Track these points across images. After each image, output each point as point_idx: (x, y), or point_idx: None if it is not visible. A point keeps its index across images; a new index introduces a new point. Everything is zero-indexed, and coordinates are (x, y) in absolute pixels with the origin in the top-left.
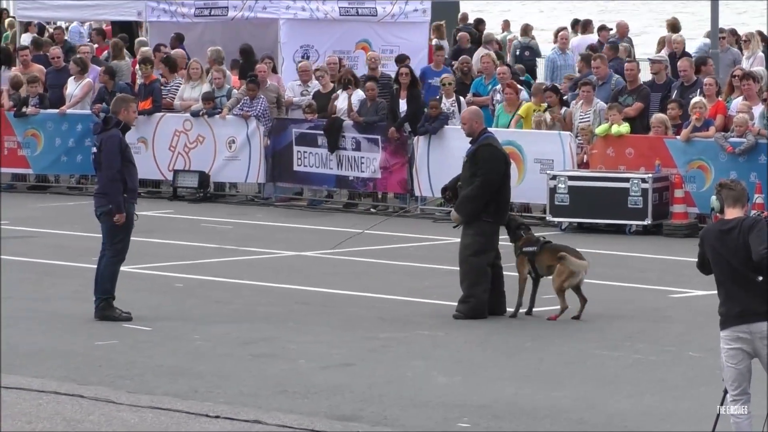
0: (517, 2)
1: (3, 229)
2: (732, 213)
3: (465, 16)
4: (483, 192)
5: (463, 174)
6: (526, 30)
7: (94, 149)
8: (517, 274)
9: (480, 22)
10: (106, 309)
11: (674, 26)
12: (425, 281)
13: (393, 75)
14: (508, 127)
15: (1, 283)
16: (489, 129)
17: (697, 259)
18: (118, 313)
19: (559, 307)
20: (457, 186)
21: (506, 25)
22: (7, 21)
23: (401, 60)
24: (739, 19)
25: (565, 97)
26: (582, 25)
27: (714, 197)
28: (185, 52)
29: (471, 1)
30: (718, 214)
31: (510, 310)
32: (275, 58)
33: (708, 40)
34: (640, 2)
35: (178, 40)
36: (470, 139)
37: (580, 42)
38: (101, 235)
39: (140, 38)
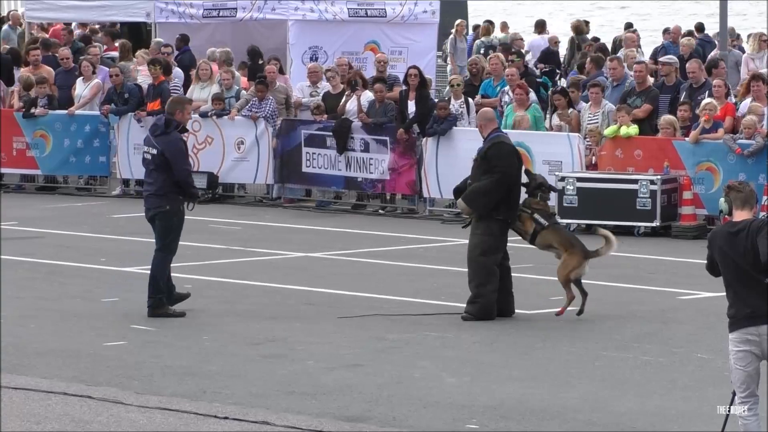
0: (527, 2)
1: (12, 229)
2: (740, 215)
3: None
4: (499, 187)
5: (474, 173)
6: (488, 30)
7: (151, 150)
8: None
9: (489, 24)
10: (158, 307)
11: (578, 28)
12: (434, 282)
13: (402, 76)
14: (515, 128)
15: (11, 283)
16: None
17: (706, 261)
18: (172, 311)
19: (563, 299)
20: (467, 185)
21: (504, 27)
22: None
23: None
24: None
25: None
26: (538, 25)
27: (722, 200)
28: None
29: (479, 1)
30: (726, 216)
31: (519, 311)
32: (284, 59)
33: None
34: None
35: (183, 42)
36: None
37: (534, 42)
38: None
39: (157, 39)
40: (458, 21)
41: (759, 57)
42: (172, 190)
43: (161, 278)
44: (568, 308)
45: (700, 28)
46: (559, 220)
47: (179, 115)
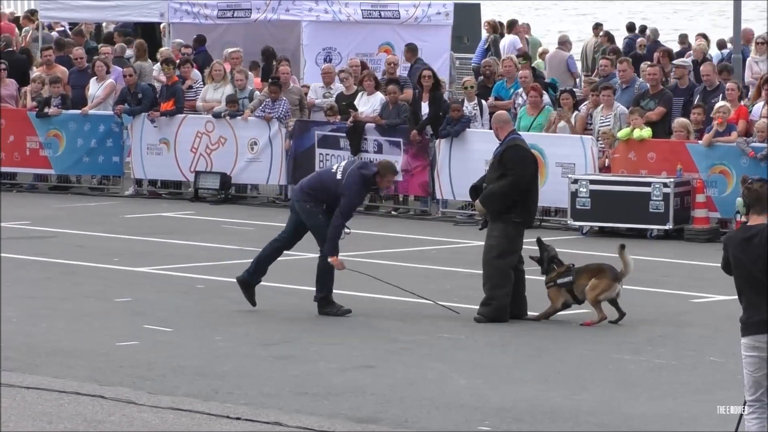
0: (535, 2)
1: (25, 229)
2: (756, 220)
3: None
4: (512, 191)
5: (489, 175)
6: None
7: (339, 170)
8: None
9: (502, 26)
10: (324, 306)
11: (495, 28)
12: (446, 284)
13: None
14: (529, 130)
15: (24, 283)
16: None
17: (721, 261)
18: (335, 309)
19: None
20: (483, 187)
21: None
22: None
23: (412, 50)
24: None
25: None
26: (508, 26)
27: (740, 200)
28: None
29: (490, 1)
30: (743, 217)
31: (531, 313)
32: (298, 60)
33: (731, 46)
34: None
35: (199, 42)
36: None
37: (507, 42)
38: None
39: (178, 40)
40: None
41: (762, 60)
42: (319, 196)
43: (327, 272)
44: (574, 311)
45: (631, 27)
46: (573, 223)
47: (380, 180)
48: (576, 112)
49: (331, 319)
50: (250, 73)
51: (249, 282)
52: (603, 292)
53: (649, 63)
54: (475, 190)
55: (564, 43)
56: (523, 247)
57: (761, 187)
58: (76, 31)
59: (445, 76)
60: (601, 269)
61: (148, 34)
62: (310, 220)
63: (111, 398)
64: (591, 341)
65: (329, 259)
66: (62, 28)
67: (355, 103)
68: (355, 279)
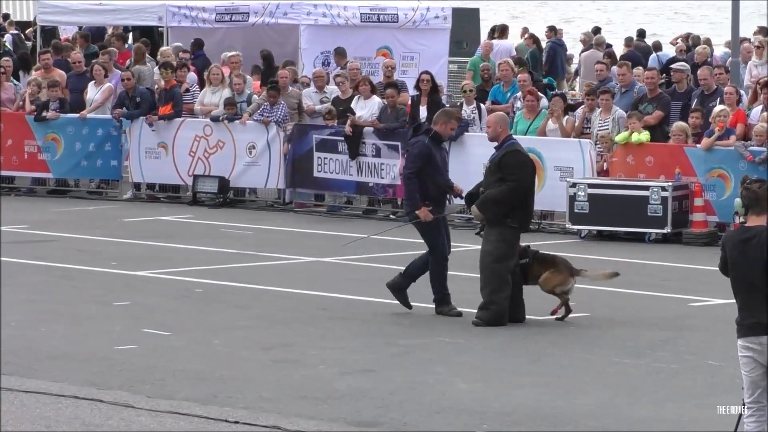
0: (540, 3)
1: (23, 233)
2: (754, 221)
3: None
4: (511, 196)
5: (487, 180)
6: None
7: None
8: None
9: (505, 29)
10: (440, 304)
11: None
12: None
13: (414, 82)
14: (526, 134)
15: (24, 286)
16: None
17: (719, 263)
18: (448, 309)
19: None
20: (479, 192)
21: (525, 33)
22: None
23: (340, 53)
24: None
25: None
26: (499, 30)
27: (738, 200)
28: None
29: (489, 1)
30: (742, 219)
31: (530, 317)
32: (297, 64)
33: (729, 50)
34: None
35: (197, 46)
36: (495, 145)
37: (498, 47)
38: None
39: (176, 44)
40: (559, 28)
41: (761, 64)
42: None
43: (436, 279)
44: (574, 314)
45: (641, 34)
46: (571, 226)
47: (441, 126)
48: (567, 116)
49: (331, 322)
50: (248, 76)
51: (443, 302)
52: (557, 285)
53: (649, 69)
54: (471, 198)
55: (600, 45)
56: None
57: (759, 187)
58: (82, 35)
59: (443, 79)
60: (555, 263)
61: (147, 39)
62: (416, 226)
63: (109, 402)
64: (590, 345)
65: (417, 212)
66: (16, 32)
67: (353, 107)
68: (356, 282)
